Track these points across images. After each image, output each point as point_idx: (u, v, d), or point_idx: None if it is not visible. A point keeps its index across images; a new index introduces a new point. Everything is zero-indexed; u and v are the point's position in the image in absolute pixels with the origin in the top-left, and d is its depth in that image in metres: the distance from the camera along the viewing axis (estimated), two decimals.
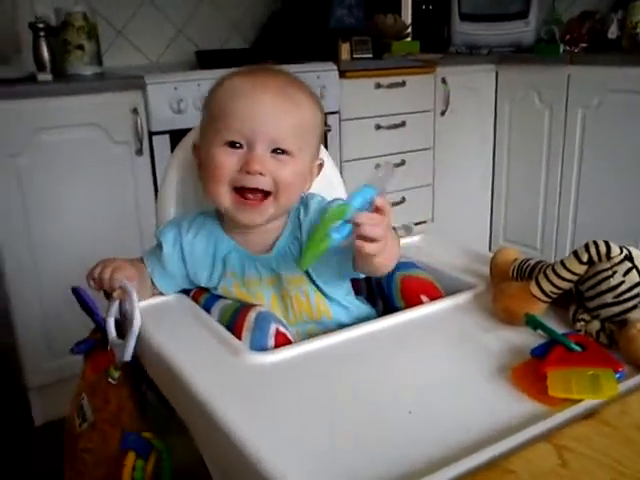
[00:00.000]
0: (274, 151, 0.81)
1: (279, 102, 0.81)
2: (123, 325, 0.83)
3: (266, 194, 0.82)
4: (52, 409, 1.73)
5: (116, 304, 0.83)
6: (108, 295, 0.85)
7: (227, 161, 0.80)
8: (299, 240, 0.86)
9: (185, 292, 0.91)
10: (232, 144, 0.81)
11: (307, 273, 0.87)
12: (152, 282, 0.89)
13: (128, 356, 0.78)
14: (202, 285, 0.90)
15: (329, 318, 0.87)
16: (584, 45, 2.39)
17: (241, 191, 0.81)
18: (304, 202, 0.88)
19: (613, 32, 2.38)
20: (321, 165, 0.90)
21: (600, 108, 2.19)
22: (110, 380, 0.81)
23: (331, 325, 0.87)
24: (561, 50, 2.36)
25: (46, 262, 1.69)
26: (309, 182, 0.88)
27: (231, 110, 0.80)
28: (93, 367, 0.85)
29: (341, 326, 0.86)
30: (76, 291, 0.86)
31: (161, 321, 0.81)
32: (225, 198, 0.82)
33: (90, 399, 0.84)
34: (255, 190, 0.81)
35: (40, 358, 1.73)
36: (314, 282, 0.87)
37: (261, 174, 0.80)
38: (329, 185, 1.02)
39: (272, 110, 0.80)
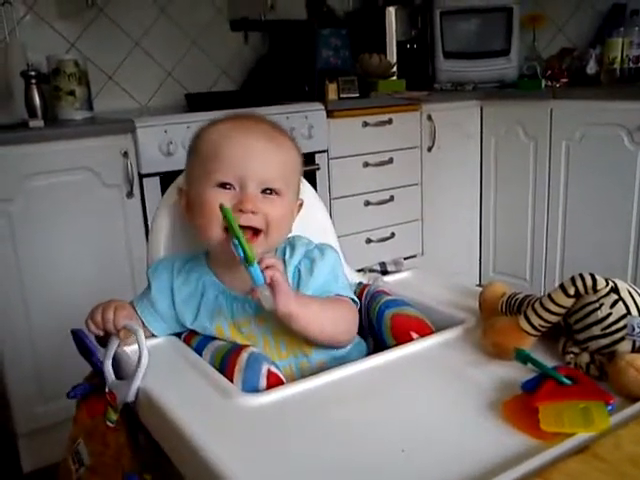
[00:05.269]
0: (264, 191, 0.84)
1: (266, 145, 0.86)
2: (119, 366, 0.83)
3: (256, 232, 0.84)
4: (41, 456, 1.70)
5: (115, 345, 0.83)
6: (103, 340, 0.85)
7: (220, 200, 0.82)
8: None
9: (177, 335, 0.91)
10: (223, 185, 0.83)
11: None
12: (143, 325, 0.89)
13: (131, 396, 0.77)
14: (188, 327, 0.90)
15: (320, 351, 0.87)
16: (565, 80, 2.46)
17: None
18: (291, 243, 0.91)
19: (592, 67, 2.45)
20: (301, 205, 0.93)
21: (582, 141, 2.23)
22: (108, 423, 0.80)
23: (323, 358, 0.87)
24: (543, 85, 2.41)
25: (37, 305, 1.68)
26: (292, 221, 0.91)
27: (222, 153, 0.84)
28: (89, 411, 0.84)
29: (333, 358, 0.87)
30: (76, 334, 0.85)
31: (152, 363, 0.80)
32: (219, 236, 0.83)
33: (87, 443, 0.82)
34: (247, 228, 0.83)
35: (31, 403, 1.71)
36: None
37: (253, 212, 0.82)
38: (322, 231, 1.04)
39: (261, 153, 0.85)
